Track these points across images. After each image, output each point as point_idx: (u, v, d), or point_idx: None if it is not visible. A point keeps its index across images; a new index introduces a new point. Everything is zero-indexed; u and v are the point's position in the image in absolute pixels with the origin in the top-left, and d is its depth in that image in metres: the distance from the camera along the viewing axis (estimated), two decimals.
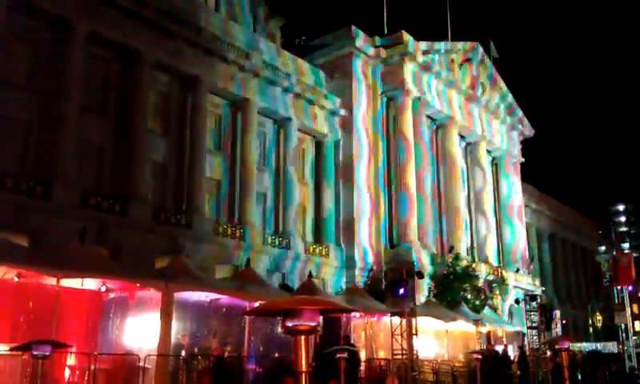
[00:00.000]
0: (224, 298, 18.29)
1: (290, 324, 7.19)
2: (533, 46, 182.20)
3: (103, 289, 16.10)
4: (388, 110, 45.40)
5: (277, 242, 36.17)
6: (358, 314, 21.74)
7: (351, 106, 42.37)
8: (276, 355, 18.95)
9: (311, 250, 38.31)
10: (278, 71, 38.40)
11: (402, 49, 44.33)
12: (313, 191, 41.41)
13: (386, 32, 46.14)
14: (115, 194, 28.96)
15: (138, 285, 16.22)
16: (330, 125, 41.97)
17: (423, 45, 45.93)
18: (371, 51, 44.33)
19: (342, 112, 42.17)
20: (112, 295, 16.89)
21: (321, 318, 17.81)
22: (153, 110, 32.18)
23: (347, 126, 42.39)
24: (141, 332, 16.60)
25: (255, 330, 18.55)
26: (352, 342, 20.00)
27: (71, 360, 15.55)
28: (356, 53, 43.29)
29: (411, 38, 45.08)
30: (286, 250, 36.28)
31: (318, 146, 42.14)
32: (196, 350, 17.63)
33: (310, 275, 25.70)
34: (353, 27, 43.56)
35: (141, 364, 15.25)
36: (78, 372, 15.45)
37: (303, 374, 7.12)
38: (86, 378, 14.69)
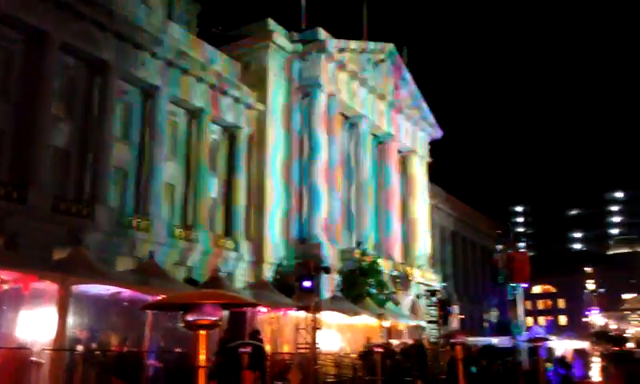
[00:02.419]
0: (125, 292, 17.78)
1: (190, 318, 7.13)
2: (444, 52, 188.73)
3: None
4: (302, 105, 45.67)
5: (184, 235, 35.52)
6: (264, 309, 21.79)
7: (266, 99, 42.30)
8: (178, 350, 18.66)
9: (220, 243, 37.93)
10: (192, 60, 37.65)
11: (319, 45, 44.73)
12: (224, 184, 40.99)
13: (303, 27, 46.39)
14: (13, 180, 27.47)
15: (35, 277, 15.50)
16: (244, 117, 41.67)
17: (339, 43, 46.53)
18: (288, 46, 44.44)
19: (257, 105, 41.99)
20: (5, 287, 16.03)
21: (226, 313, 17.74)
22: (58, 94, 30.76)
23: (261, 119, 42.29)
24: (35, 326, 15.88)
25: (157, 325, 18.17)
26: (260, 337, 20.05)
27: None
28: (272, 46, 43.24)
29: (328, 35, 45.56)
30: (193, 243, 35.71)
31: (231, 138, 41.74)
32: (94, 345, 17.08)
33: (217, 269, 25.48)
34: (270, 20, 43.47)
35: (34, 359, 14.60)
36: None
37: (202, 369, 7.10)
38: None
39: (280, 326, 24.02)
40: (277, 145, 42.64)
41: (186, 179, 38.14)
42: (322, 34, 45.22)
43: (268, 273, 38.45)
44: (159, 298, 15.60)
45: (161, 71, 35.57)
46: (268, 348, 21.73)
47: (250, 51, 43.38)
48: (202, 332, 7.09)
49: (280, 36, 43.81)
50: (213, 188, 39.60)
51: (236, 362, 14.89)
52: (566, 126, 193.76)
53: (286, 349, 23.73)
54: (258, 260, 39.72)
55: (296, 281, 22.99)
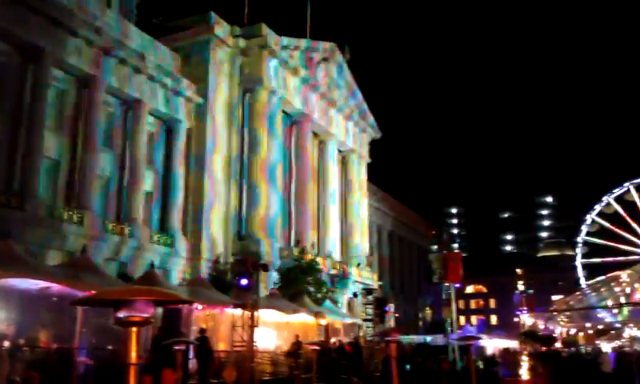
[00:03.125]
0: (55, 287, 17.18)
1: (121, 315, 6.94)
2: (385, 53, 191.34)
3: None
4: (244, 101, 45.22)
5: (118, 230, 34.58)
6: (200, 306, 21.50)
7: (206, 93, 41.68)
8: (109, 348, 18.19)
9: (155, 238, 37.15)
10: (130, 50, 36.65)
11: (262, 42, 44.41)
12: (161, 178, 40.15)
13: (246, 23, 45.97)
14: None
15: None
16: (184, 110, 40.92)
17: (283, 40, 46.36)
18: (230, 40, 43.93)
19: (197, 99, 41.32)
20: None
21: (160, 310, 17.44)
22: None
23: (201, 113, 41.64)
24: None
25: (87, 322, 17.65)
26: (205, 335, 19.83)
27: None
28: (214, 40, 42.62)
29: (271, 31, 45.31)
30: (127, 238, 34.81)
31: (170, 131, 40.92)
32: (22, 341, 16.45)
33: (152, 265, 24.96)
34: (212, 14, 42.83)
35: None
36: None
37: (133, 367, 6.91)
38: None
39: (216, 324, 23.77)
40: (216, 140, 42.09)
41: (121, 172, 37.14)
42: (265, 30, 44.94)
43: (205, 269, 37.92)
44: (90, 293, 15.27)
45: (97, 60, 34.48)
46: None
47: (191, 44, 42.60)
48: (134, 329, 6.92)
49: (222, 30, 43.24)
50: (149, 182, 38.72)
51: (170, 359, 14.59)
52: (499, 132, 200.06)
53: (221, 347, 23.49)
54: (194, 256, 39.10)
55: (233, 278, 22.79)
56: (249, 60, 44.73)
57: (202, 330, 19.52)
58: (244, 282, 20.89)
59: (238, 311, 22.28)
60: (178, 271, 37.80)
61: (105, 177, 36.02)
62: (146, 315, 6.98)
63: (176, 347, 14.48)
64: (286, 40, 46.82)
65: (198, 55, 42.40)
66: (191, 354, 19.18)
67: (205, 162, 40.80)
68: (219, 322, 24.04)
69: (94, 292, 15.36)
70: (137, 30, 38.64)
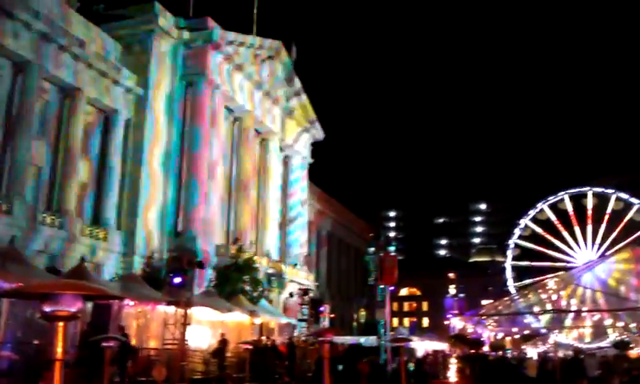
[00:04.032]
0: None
1: (47, 309, 6.77)
2: (332, 54, 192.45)
3: None
4: (186, 94, 44.53)
5: (49, 221, 33.41)
6: (131, 302, 21.06)
7: (147, 85, 40.81)
8: (36, 342, 17.59)
9: (88, 231, 36.10)
10: (69, 36, 35.46)
11: (207, 35, 43.85)
12: (97, 170, 39.03)
13: (191, 15, 45.29)
14: None
15: None
16: (123, 101, 39.92)
17: (227, 34, 45.90)
18: (174, 32, 43.14)
19: (137, 90, 40.40)
20: None
21: (90, 305, 17.00)
22: None
23: (141, 105, 40.72)
24: None
25: (13, 315, 17.02)
26: (126, 332, 19.38)
27: None
28: (157, 31, 41.71)
29: (217, 25, 44.79)
30: (58, 230, 33.68)
31: (108, 121, 39.83)
32: None
33: (83, 259, 24.26)
34: (156, 3, 41.95)
35: None
36: None
37: (59, 362, 6.76)
38: None
39: (147, 321, 23.34)
40: (156, 133, 41.25)
41: (55, 161, 35.90)
42: (210, 23, 44.40)
43: (139, 265, 37.13)
44: (17, 285, 14.72)
45: (34, 45, 33.23)
46: (132, 343, 21.05)
47: (133, 33, 41.57)
48: (60, 324, 6.76)
49: (166, 21, 42.43)
50: (84, 173, 37.60)
51: (98, 356, 14.26)
52: (437, 139, 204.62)
53: (152, 344, 23.08)
54: (129, 251, 38.21)
55: (167, 275, 22.44)
56: (193, 53, 44.06)
57: (122, 328, 19.08)
58: (177, 279, 20.62)
59: (171, 309, 21.95)
60: (111, 266, 36.85)
61: (38, 166, 34.73)
62: (73, 310, 6.84)
63: (104, 344, 14.17)
64: (231, 35, 46.41)
65: (141, 45, 41.46)
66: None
67: (143, 155, 39.94)
68: (150, 319, 23.61)
69: (21, 284, 14.89)
70: (78, 16, 37.45)
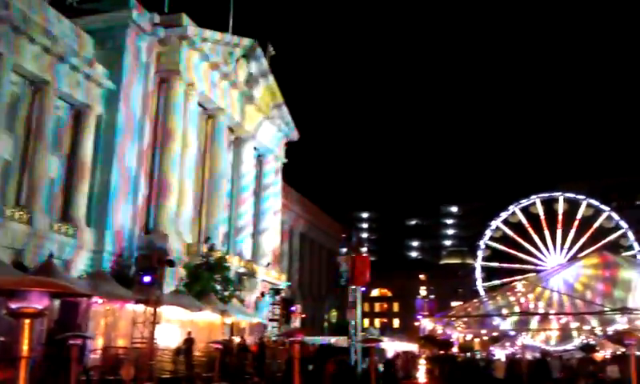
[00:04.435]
0: None
1: (14, 306, 6.71)
2: (308, 54, 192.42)
3: None
4: (159, 91, 44.10)
5: (16, 216, 32.74)
6: (100, 300, 20.78)
7: (120, 80, 40.29)
8: (1, 339, 17.24)
9: (56, 228, 35.48)
10: (40, 28, 34.83)
11: (181, 32, 43.48)
12: (66, 165, 38.41)
13: (166, 11, 44.86)
14: None
15: None
16: (95, 96, 39.35)
17: (203, 32, 45.56)
18: (148, 28, 42.65)
19: (109, 85, 39.88)
20: None
21: (57, 303, 16.75)
22: None
23: (113, 100, 40.19)
24: None
25: None
26: (82, 330, 19.09)
27: None
28: (131, 25, 41.21)
29: (191, 22, 44.44)
30: (26, 226, 33.04)
31: (78, 116, 39.23)
32: None
33: (51, 255, 23.86)
34: None
35: None
36: None
37: (24, 360, 6.71)
38: None
39: (115, 319, 23.06)
40: (128, 129, 40.72)
41: (24, 156, 35.23)
42: (186, 20, 44.04)
43: (108, 263, 36.64)
44: None
45: (5, 37, 32.55)
46: (100, 341, 20.80)
47: (106, 28, 41.02)
48: (26, 321, 6.69)
49: (140, 16, 41.94)
50: (53, 168, 36.95)
51: (64, 354, 14.04)
52: (410, 141, 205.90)
53: (121, 343, 22.80)
54: (98, 249, 37.66)
55: (137, 273, 22.20)
56: (166, 49, 43.66)
57: (79, 326, 18.77)
58: (147, 278, 20.41)
59: (140, 307, 21.72)
60: (80, 263, 36.28)
61: (5, 160, 34.03)
62: (39, 307, 6.76)
63: (71, 342, 13.97)
64: (207, 33, 46.09)
65: (114, 40, 40.90)
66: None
67: (114, 151, 39.42)
68: (119, 317, 23.33)
69: None
70: (50, 9, 36.80)
